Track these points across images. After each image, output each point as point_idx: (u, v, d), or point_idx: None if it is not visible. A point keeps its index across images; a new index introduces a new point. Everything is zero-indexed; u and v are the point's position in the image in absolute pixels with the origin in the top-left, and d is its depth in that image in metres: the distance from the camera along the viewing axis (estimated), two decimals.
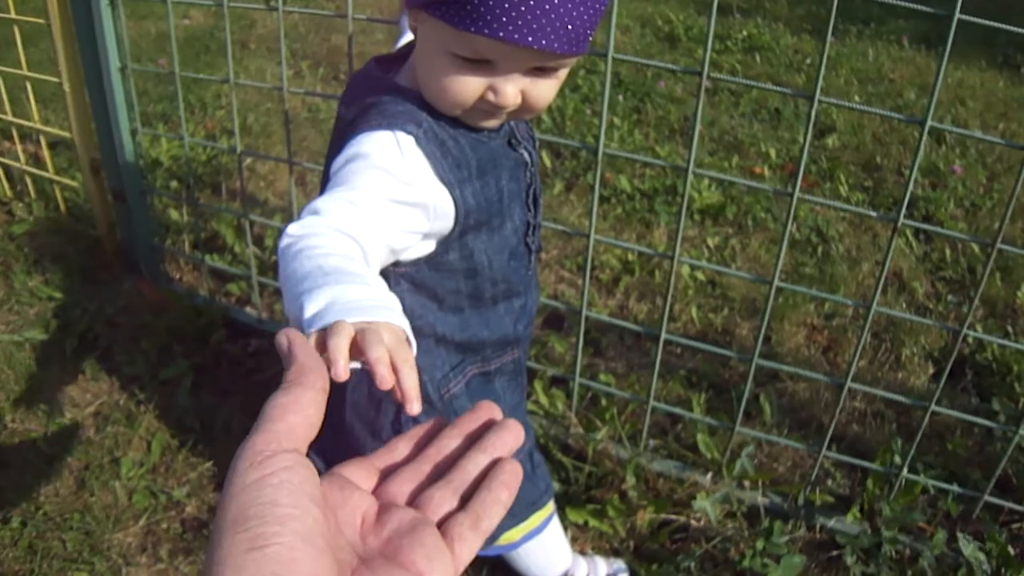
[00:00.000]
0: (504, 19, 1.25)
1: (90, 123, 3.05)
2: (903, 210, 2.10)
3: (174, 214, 3.61)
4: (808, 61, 6.07)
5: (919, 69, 6.12)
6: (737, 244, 3.87)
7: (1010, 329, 3.50)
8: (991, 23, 1.89)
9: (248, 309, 3.20)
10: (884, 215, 2.22)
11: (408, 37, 1.81)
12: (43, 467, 2.63)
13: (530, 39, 1.26)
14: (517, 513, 1.98)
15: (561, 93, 4.78)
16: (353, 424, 1.79)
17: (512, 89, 1.38)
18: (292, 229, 1.23)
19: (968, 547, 2.43)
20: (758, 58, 6.05)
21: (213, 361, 3.03)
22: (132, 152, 3.06)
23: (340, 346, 0.90)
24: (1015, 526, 2.59)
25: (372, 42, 5.85)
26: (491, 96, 1.39)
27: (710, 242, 3.88)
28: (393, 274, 1.55)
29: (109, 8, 2.78)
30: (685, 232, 3.93)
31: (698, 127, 2.16)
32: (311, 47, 5.77)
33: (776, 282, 2.35)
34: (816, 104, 2.10)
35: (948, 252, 3.94)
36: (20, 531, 2.43)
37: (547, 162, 4.31)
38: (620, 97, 5.12)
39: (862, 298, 3.62)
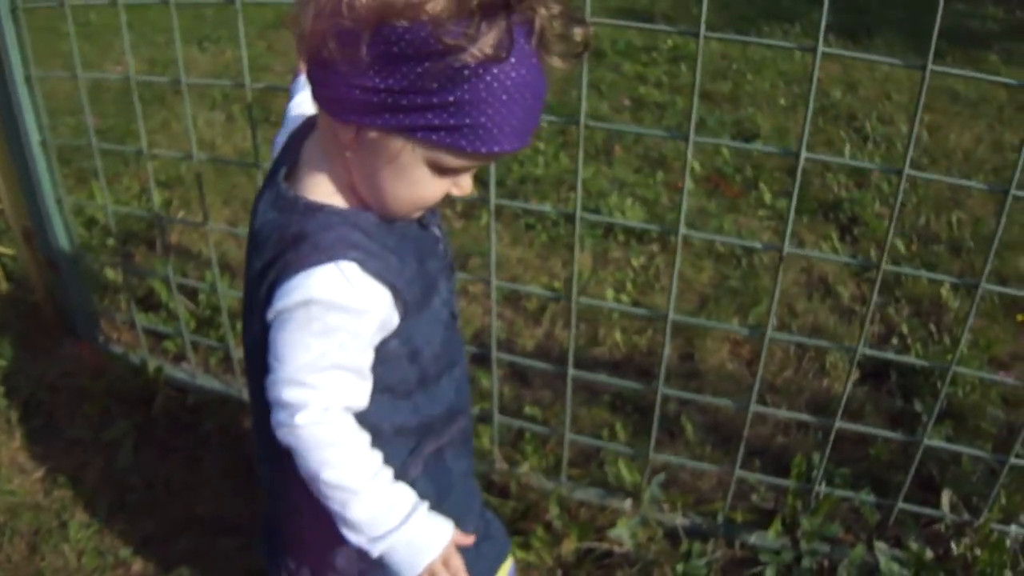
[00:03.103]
0: (509, 133, 1.31)
1: (18, 193, 3.10)
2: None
3: (110, 274, 3.65)
4: (734, 67, 6.11)
5: (844, 66, 6.16)
6: (662, 262, 3.93)
7: (933, 328, 3.58)
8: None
9: (184, 365, 3.26)
10: (865, 260, 2.29)
11: (303, 96, 1.80)
12: None
13: (522, 143, 1.35)
14: (488, 570, 2.00)
15: None
16: (323, 535, 1.73)
17: (470, 181, 1.46)
18: (301, 418, 1.40)
19: (883, 559, 2.50)
20: (684, 67, 6.09)
21: (153, 419, 3.08)
22: (60, 220, 3.12)
23: None
24: (937, 526, 2.64)
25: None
26: (455, 191, 1.45)
27: (635, 263, 3.94)
28: None
29: (26, 85, 2.85)
30: (610, 254, 4.01)
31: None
32: (241, 90, 5.69)
33: (670, 316, 2.40)
34: (801, 160, 2.16)
35: (873, 253, 4.01)
36: None
37: (472, 192, 4.34)
38: (543, 123, 5.05)
39: (788, 307, 3.69)
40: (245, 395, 3.09)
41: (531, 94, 1.30)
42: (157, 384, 3.16)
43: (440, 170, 1.37)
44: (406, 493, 1.44)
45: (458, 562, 1.40)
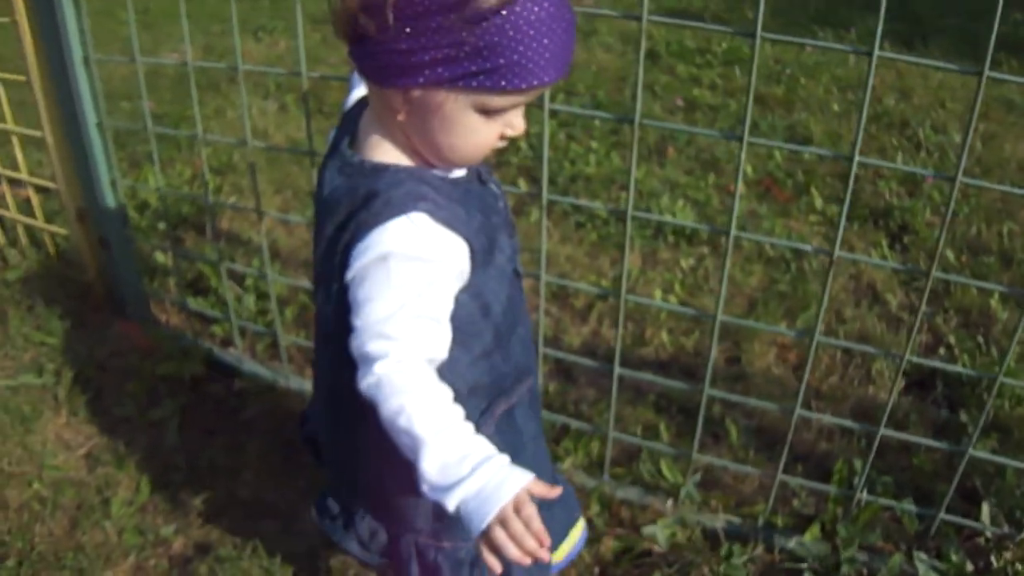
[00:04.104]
0: (544, 65, 1.37)
1: (74, 174, 3.14)
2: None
3: (160, 257, 3.69)
4: (788, 71, 6.09)
5: (899, 73, 6.10)
6: (711, 265, 3.93)
7: (981, 339, 3.56)
8: None
9: (231, 350, 3.29)
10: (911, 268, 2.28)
11: (360, 91, 1.81)
12: (38, 508, 2.70)
13: (560, 74, 1.41)
14: (559, 532, 2.03)
15: (538, 119, 4.81)
16: (398, 491, 1.82)
17: (522, 119, 1.52)
18: (379, 367, 1.42)
19: (922, 568, 2.49)
20: (738, 71, 6.06)
21: (198, 401, 3.11)
22: (114, 201, 3.15)
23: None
24: (978, 539, 2.62)
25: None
26: (509, 132, 1.51)
27: (684, 264, 3.94)
28: None
29: (84, 67, 2.87)
30: (659, 255, 4.00)
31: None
32: (298, 79, 5.68)
33: (719, 317, 2.40)
34: (854, 165, 2.15)
35: (923, 262, 3.99)
36: (16, 571, 2.51)
37: (523, 188, 4.36)
38: (596, 121, 5.12)
39: (836, 314, 3.68)
40: (291, 383, 3.11)
41: (559, 25, 1.37)
42: (203, 367, 3.19)
43: (488, 112, 1.45)
44: (482, 445, 1.42)
45: (531, 510, 1.36)
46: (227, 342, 3.34)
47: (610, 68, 6.02)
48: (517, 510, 1.35)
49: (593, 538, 2.60)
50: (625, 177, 4.42)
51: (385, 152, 1.54)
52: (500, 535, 1.35)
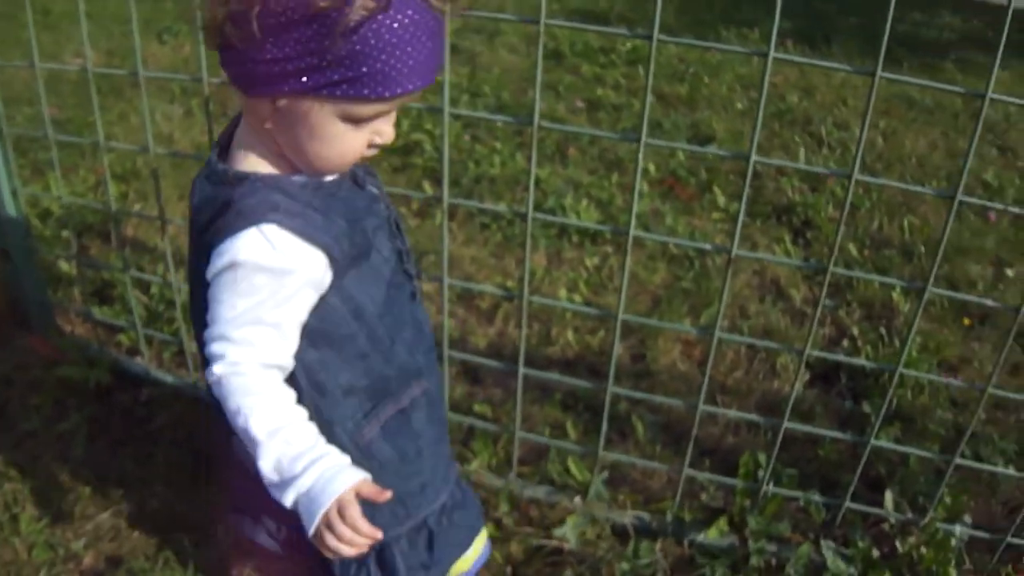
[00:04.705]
0: (408, 73, 1.40)
1: None
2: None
3: (64, 266, 3.64)
4: (691, 70, 6.13)
5: (802, 71, 6.17)
6: (615, 263, 3.94)
7: (883, 331, 3.61)
8: None
9: (138, 359, 3.25)
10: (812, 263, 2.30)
11: None
12: None
13: (425, 81, 1.44)
14: (462, 542, 2.02)
15: (441, 122, 4.81)
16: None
17: (391, 128, 1.54)
18: (218, 368, 1.47)
19: (829, 556, 2.53)
20: (641, 70, 6.07)
21: (106, 412, 3.07)
22: (15, 211, 3.10)
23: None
24: (883, 526, 2.67)
25: None
26: (377, 140, 1.53)
27: (588, 263, 3.95)
28: None
29: None
30: (563, 254, 4.02)
31: None
32: (200, 85, 5.62)
33: (620, 315, 2.42)
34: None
35: (826, 257, 4.03)
36: None
37: (428, 190, 4.35)
38: (499, 122, 5.09)
39: (740, 309, 3.72)
40: (199, 391, 3.09)
41: (423, 32, 1.40)
42: (110, 377, 3.15)
43: (354, 121, 1.48)
44: (319, 446, 1.48)
45: (355, 512, 1.41)
46: (134, 351, 3.30)
47: (514, 69, 6.02)
48: (341, 513, 1.41)
49: (503, 538, 2.62)
50: (528, 178, 4.43)
51: (250, 161, 1.58)
52: (327, 536, 1.42)
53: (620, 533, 2.66)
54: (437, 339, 1.98)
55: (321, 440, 1.50)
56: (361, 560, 1.89)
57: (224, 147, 1.65)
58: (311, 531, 1.42)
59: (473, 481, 2.73)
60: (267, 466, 1.44)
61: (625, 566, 2.50)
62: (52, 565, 2.58)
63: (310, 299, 1.56)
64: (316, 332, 1.60)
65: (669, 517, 2.67)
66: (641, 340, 3.48)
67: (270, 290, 1.48)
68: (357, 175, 1.70)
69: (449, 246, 3.90)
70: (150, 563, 2.57)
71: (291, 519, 1.94)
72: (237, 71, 1.46)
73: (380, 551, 1.89)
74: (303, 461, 1.44)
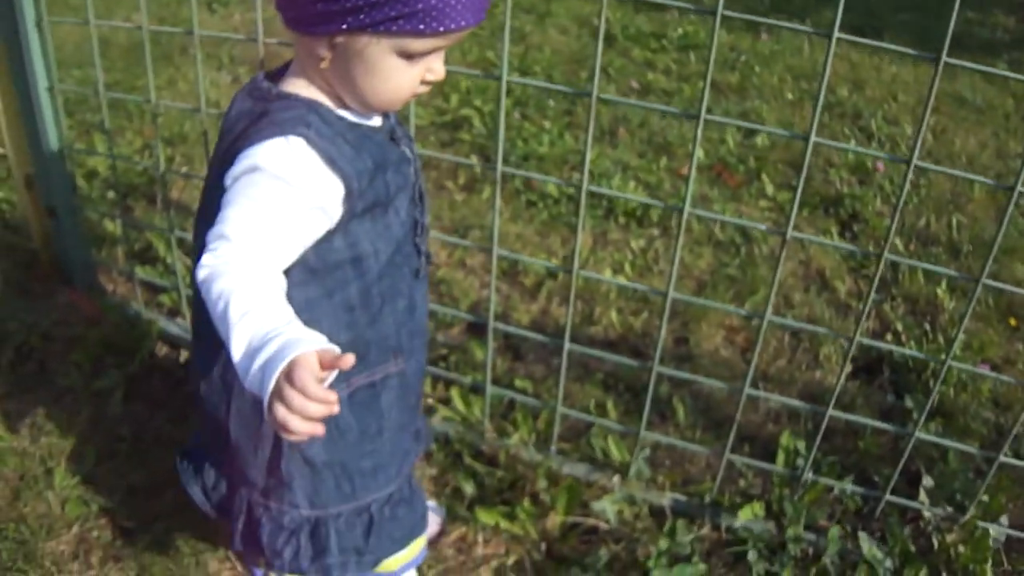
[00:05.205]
0: (461, 9, 1.44)
1: (23, 140, 3.09)
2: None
3: (109, 226, 3.65)
4: (743, 58, 6.10)
5: (852, 64, 6.16)
6: (661, 246, 3.94)
7: (927, 327, 3.59)
8: None
9: (179, 320, 3.25)
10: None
11: None
12: None
13: (477, 18, 1.49)
14: (400, 539, 2.00)
15: (494, 96, 4.82)
16: (239, 437, 1.82)
17: (442, 65, 1.58)
18: (206, 260, 1.42)
19: (866, 545, 2.51)
20: (693, 56, 6.06)
21: (145, 372, 3.07)
22: (63, 169, 3.11)
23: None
24: (921, 522, 2.65)
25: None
26: (430, 76, 1.57)
27: (634, 245, 3.94)
28: None
29: (36, 30, 2.84)
30: (609, 236, 4.01)
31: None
32: (251, 51, 5.64)
33: (670, 293, 2.41)
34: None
35: (873, 249, 4.00)
36: None
37: (476, 168, 4.34)
38: (551, 101, 5.10)
39: (784, 299, 3.69)
40: None
41: None
42: (150, 337, 3.16)
43: (408, 56, 1.51)
44: (291, 323, 1.36)
45: (304, 374, 1.25)
46: (175, 312, 3.30)
47: (565, 51, 6.00)
48: (290, 376, 1.26)
49: (540, 514, 2.61)
50: (577, 157, 4.42)
51: (298, 87, 1.60)
52: (277, 408, 1.27)
53: (657, 514, 2.65)
54: (481, 312, 1.97)
55: (296, 320, 1.38)
56: (293, 530, 1.89)
57: (273, 77, 1.68)
58: (265, 403, 1.28)
59: (512, 455, 2.73)
60: (238, 350, 1.33)
61: (663, 545, 2.48)
62: (85, 520, 2.58)
63: (318, 224, 1.57)
64: (311, 268, 1.61)
65: (707, 500, 2.66)
66: (684, 324, 3.46)
67: (282, 201, 1.48)
68: (395, 132, 1.73)
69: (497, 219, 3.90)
70: (181, 523, 2.56)
71: (232, 474, 1.95)
72: (296, 13, 1.49)
73: (315, 525, 1.89)
74: (270, 336, 1.32)
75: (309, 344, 1.29)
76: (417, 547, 2.09)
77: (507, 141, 4.61)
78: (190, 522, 2.54)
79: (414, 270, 1.82)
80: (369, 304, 1.72)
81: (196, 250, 1.65)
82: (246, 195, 1.47)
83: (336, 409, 1.28)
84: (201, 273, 1.42)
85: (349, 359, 1.28)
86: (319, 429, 1.28)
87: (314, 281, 1.63)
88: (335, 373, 1.31)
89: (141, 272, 3.31)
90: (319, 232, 1.58)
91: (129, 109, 4.65)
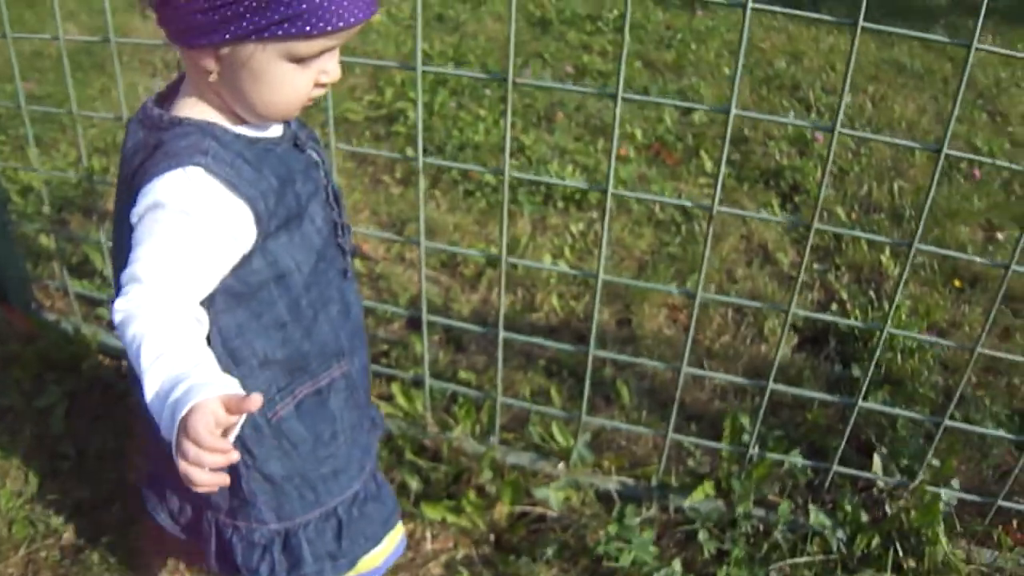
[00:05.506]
0: (347, 6, 1.39)
1: None
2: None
3: (44, 240, 3.62)
4: (679, 37, 6.10)
5: (790, 36, 6.17)
6: (600, 229, 3.89)
7: (872, 295, 3.59)
8: None
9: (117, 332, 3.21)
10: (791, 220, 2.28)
11: None
12: None
13: (366, 14, 1.44)
14: (372, 536, 1.99)
15: (430, 88, 4.82)
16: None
17: (337, 65, 1.53)
18: (119, 304, 1.39)
19: (815, 516, 2.51)
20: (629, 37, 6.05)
21: (86, 386, 3.04)
22: None
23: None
24: (872, 490, 2.66)
25: None
26: (323, 78, 1.52)
27: (573, 228, 3.93)
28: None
29: None
30: (548, 221, 4.00)
31: None
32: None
33: (600, 276, 2.40)
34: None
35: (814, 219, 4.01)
36: None
37: (409, 161, 4.31)
38: (486, 89, 5.08)
39: (727, 274, 3.69)
40: None
41: None
42: (90, 351, 3.13)
43: (298, 60, 1.46)
44: (200, 365, 1.33)
45: (198, 422, 1.22)
46: (113, 324, 3.26)
47: (499, 38, 5.97)
48: (184, 429, 1.24)
49: (486, 505, 2.59)
50: (514, 144, 4.41)
51: (189, 109, 1.55)
52: (181, 464, 1.25)
53: (605, 499, 2.64)
54: (419, 305, 1.95)
55: (209, 362, 1.36)
56: (265, 546, 1.88)
57: (164, 98, 1.63)
58: (174, 453, 1.25)
59: (455, 448, 2.71)
60: (150, 394, 1.30)
61: (612, 530, 2.47)
62: (32, 541, 2.55)
63: (230, 252, 1.53)
64: (235, 293, 1.58)
65: (655, 482, 2.65)
66: (627, 305, 3.46)
67: (189, 235, 1.44)
68: (299, 137, 1.68)
69: (432, 213, 3.88)
70: (130, 538, 2.54)
71: (195, 499, 1.93)
72: (177, 26, 1.44)
73: (286, 538, 1.88)
74: (179, 379, 1.29)
75: (212, 389, 1.26)
76: (394, 540, 2.08)
77: (442, 131, 4.61)
78: (138, 535, 2.52)
79: (341, 271, 1.79)
80: (301, 317, 1.70)
81: (115, 286, 1.61)
82: (152, 233, 1.43)
83: (236, 457, 1.25)
84: (116, 317, 1.39)
85: (256, 400, 1.23)
86: (221, 479, 1.27)
87: (240, 305, 1.60)
88: (243, 417, 1.27)
89: (78, 286, 3.27)
90: (235, 258, 1.54)
91: (63, 121, 4.62)
